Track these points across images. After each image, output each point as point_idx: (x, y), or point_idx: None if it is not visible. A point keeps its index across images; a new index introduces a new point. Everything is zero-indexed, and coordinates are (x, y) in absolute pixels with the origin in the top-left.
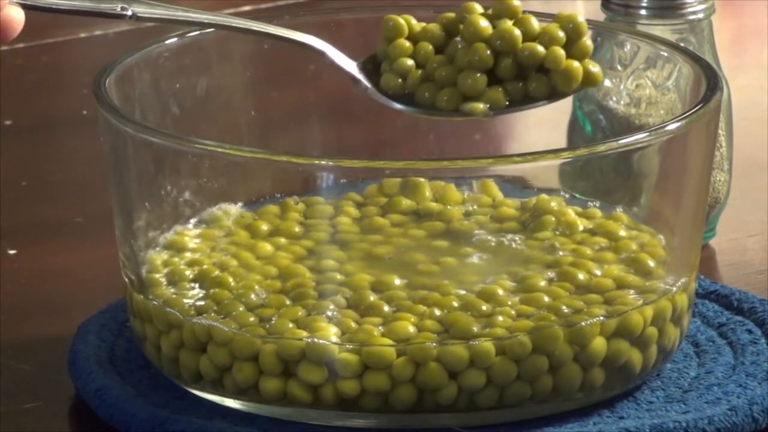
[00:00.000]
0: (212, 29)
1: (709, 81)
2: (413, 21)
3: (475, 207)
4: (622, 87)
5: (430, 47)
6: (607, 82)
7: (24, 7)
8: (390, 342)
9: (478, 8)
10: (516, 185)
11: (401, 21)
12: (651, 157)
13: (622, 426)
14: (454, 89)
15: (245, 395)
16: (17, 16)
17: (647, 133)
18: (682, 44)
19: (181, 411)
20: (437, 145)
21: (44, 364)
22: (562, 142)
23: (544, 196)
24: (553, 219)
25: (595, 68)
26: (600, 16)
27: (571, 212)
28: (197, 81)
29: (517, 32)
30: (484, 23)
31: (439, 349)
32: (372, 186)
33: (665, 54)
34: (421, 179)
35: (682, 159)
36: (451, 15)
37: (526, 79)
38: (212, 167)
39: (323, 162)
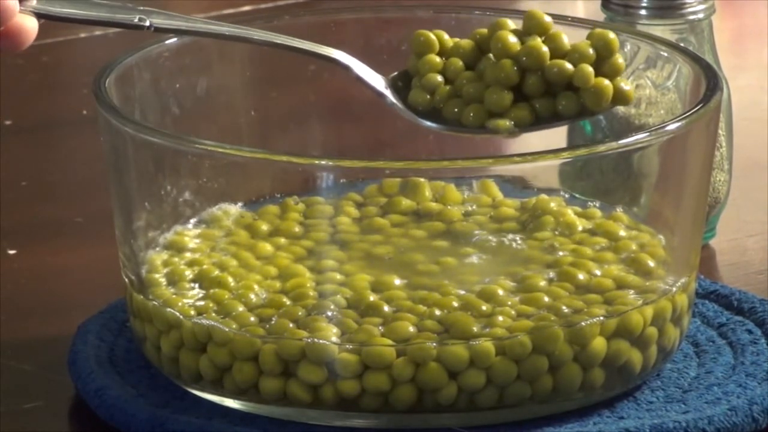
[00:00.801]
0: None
1: (709, 81)
2: (445, 36)
3: (475, 207)
4: None
5: (460, 63)
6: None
7: (39, 16)
8: (390, 342)
9: (510, 24)
10: (516, 185)
11: (432, 36)
12: (651, 157)
13: (622, 426)
14: (480, 105)
15: (245, 395)
16: (30, 25)
17: (647, 133)
18: (682, 44)
19: (181, 411)
20: (437, 145)
21: (44, 364)
22: (562, 142)
23: (543, 196)
24: (553, 219)
25: (627, 86)
26: (600, 16)
27: (570, 212)
28: (197, 81)
29: (545, 49)
30: (512, 39)
31: (439, 349)
32: (372, 186)
33: (665, 54)
34: (421, 179)
35: (682, 159)
36: (484, 31)
37: (556, 96)
38: (212, 167)
39: (323, 162)
